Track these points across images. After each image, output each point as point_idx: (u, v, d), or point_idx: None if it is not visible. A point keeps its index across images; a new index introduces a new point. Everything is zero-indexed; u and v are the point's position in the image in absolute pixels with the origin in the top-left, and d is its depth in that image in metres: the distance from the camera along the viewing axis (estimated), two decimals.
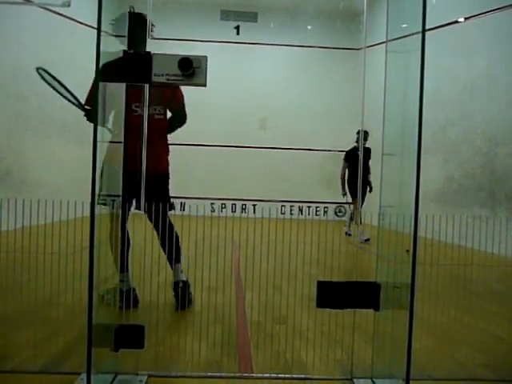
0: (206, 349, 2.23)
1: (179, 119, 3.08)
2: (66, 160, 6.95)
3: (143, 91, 2.74)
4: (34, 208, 2.95)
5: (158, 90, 2.89)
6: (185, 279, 2.95)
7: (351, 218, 7.39)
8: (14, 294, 3.02)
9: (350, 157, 7.06)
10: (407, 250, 1.76)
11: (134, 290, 2.85)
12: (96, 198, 1.65)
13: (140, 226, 2.50)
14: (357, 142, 7.00)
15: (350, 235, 7.17)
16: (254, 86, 9.71)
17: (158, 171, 2.92)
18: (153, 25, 2.94)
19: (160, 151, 2.98)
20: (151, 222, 2.86)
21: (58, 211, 3.09)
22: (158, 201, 2.71)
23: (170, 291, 2.98)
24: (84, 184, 1.96)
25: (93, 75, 1.63)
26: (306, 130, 9.67)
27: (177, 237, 2.95)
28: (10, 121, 6.48)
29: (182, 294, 2.82)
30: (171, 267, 2.95)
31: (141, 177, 2.74)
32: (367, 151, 6.72)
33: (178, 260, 2.95)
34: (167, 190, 3.09)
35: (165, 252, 2.90)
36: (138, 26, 2.82)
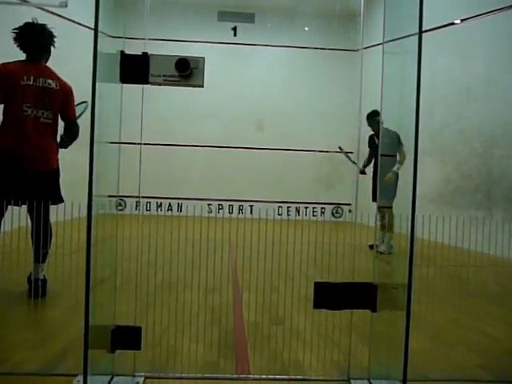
0: (203, 350, 2.23)
1: (70, 133, 3.25)
2: (63, 161, 6.91)
3: (39, 95, 3.01)
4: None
5: (48, 96, 3.06)
6: (43, 278, 3.07)
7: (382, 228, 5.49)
8: (11, 295, 3.01)
9: (371, 144, 6.04)
10: (394, 288, 1.79)
11: (42, 280, 3.02)
12: None
13: (136, 226, 2.49)
14: (369, 126, 5.85)
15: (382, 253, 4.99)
16: (251, 87, 9.70)
17: (43, 170, 3.07)
18: (54, 36, 3.21)
19: (46, 152, 3.11)
20: (31, 217, 2.99)
21: (55, 212, 3.09)
22: (43, 198, 2.88)
23: (166, 292, 2.97)
24: (81, 185, 1.95)
25: (87, 75, 1.62)
26: (303, 131, 9.67)
27: (51, 237, 3.11)
28: None
29: (37, 290, 2.93)
30: (34, 262, 3.05)
31: (21, 174, 2.97)
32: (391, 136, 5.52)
33: (43, 260, 3.06)
34: (55, 187, 3.20)
35: (33, 248, 3.04)
36: (40, 37, 3.11)
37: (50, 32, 3.19)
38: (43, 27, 3.15)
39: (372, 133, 5.95)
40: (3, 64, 3.04)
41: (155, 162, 8.60)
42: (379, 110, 1.95)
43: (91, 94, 1.62)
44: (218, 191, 9.41)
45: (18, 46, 3.11)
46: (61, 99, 3.13)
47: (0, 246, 2.96)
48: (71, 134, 3.26)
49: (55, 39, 3.22)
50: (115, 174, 1.99)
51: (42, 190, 3.03)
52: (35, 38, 3.10)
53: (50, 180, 3.14)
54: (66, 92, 3.17)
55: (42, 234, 2.91)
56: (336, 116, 9.48)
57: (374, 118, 5.60)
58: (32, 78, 3.00)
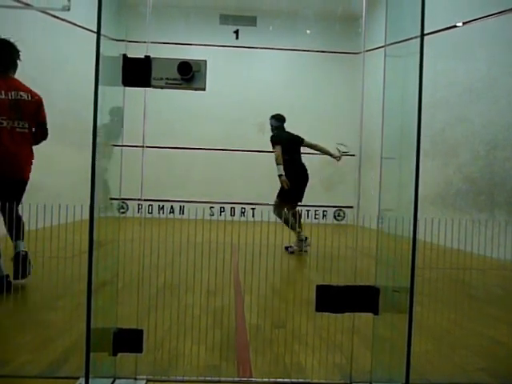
0: (205, 353, 2.23)
1: (42, 135, 3.56)
2: (65, 163, 6.94)
3: (12, 107, 3.26)
4: (32, 212, 2.95)
5: (21, 108, 3.31)
6: (24, 250, 3.23)
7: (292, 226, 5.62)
8: (14, 298, 3.02)
9: (279, 142, 5.93)
10: (396, 291, 1.79)
11: (7, 277, 3.14)
12: None
13: (138, 229, 2.49)
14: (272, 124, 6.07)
15: (292, 252, 5.33)
16: (253, 90, 9.71)
17: (17, 178, 3.37)
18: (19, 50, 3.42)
19: (22, 162, 3.39)
20: (3, 215, 3.23)
21: (57, 215, 3.09)
22: (12, 201, 3.08)
23: (168, 294, 2.97)
24: (83, 187, 1.96)
25: (89, 78, 1.63)
26: (304, 134, 9.60)
27: (20, 221, 3.29)
28: None
29: (21, 264, 3.15)
30: (15, 241, 3.25)
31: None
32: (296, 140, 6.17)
33: (20, 238, 3.26)
34: (21, 194, 3.45)
35: (11, 236, 3.26)
36: (6, 51, 3.32)
37: (15, 46, 3.39)
38: (8, 41, 3.35)
39: (273, 133, 6.09)
40: None
41: (157, 165, 8.61)
42: (381, 112, 1.95)
43: (93, 97, 1.63)
44: (220, 194, 9.41)
45: None
46: (34, 109, 3.38)
47: None
48: (42, 136, 3.54)
49: (20, 52, 3.42)
50: (117, 176, 2.00)
51: (13, 197, 3.22)
52: (2, 53, 3.31)
53: (20, 188, 3.41)
54: (38, 103, 3.42)
55: (14, 221, 3.14)
56: (338, 119, 9.48)
57: (271, 118, 6.08)
58: (3, 91, 3.24)
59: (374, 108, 2.24)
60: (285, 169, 5.85)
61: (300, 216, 6.15)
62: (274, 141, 5.96)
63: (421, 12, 1.68)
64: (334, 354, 2.27)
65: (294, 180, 5.91)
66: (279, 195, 5.94)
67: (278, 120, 6.19)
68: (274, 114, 6.20)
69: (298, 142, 6.28)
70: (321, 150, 6.53)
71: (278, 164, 5.84)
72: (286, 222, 5.63)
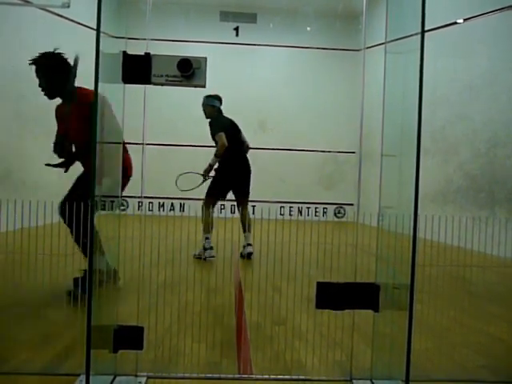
0: (206, 350, 2.23)
1: None
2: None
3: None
4: (33, 209, 2.95)
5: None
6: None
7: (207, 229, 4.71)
8: (13, 296, 3.02)
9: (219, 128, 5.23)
10: (396, 288, 1.79)
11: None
12: None
13: (138, 226, 2.49)
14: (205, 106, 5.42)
15: (201, 258, 4.29)
16: (253, 87, 9.69)
17: None
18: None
19: None
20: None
21: (56, 213, 3.09)
22: None
23: (169, 292, 2.97)
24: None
25: (91, 76, 1.62)
26: (305, 131, 9.66)
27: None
28: (9, 121, 6.47)
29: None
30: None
31: None
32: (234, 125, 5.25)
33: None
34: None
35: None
36: (59, 67, 3.25)
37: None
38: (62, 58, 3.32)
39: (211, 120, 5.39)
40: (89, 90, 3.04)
41: (157, 162, 8.61)
42: (381, 109, 1.94)
43: (94, 95, 1.63)
44: None
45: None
46: None
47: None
48: None
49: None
50: (118, 174, 1.99)
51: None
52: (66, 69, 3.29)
53: None
54: None
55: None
56: (338, 116, 9.48)
57: (213, 99, 5.33)
58: None
59: (374, 105, 2.24)
60: (224, 159, 5.14)
61: (244, 216, 5.02)
62: (221, 126, 5.13)
63: (421, 8, 1.68)
64: (334, 350, 2.27)
65: (231, 173, 5.28)
66: (209, 187, 5.29)
67: (220, 101, 5.40)
68: (212, 94, 5.35)
69: (239, 129, 5.41)
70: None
71: (216, 156, 5.10)
72: (206, 221, 4.84)
